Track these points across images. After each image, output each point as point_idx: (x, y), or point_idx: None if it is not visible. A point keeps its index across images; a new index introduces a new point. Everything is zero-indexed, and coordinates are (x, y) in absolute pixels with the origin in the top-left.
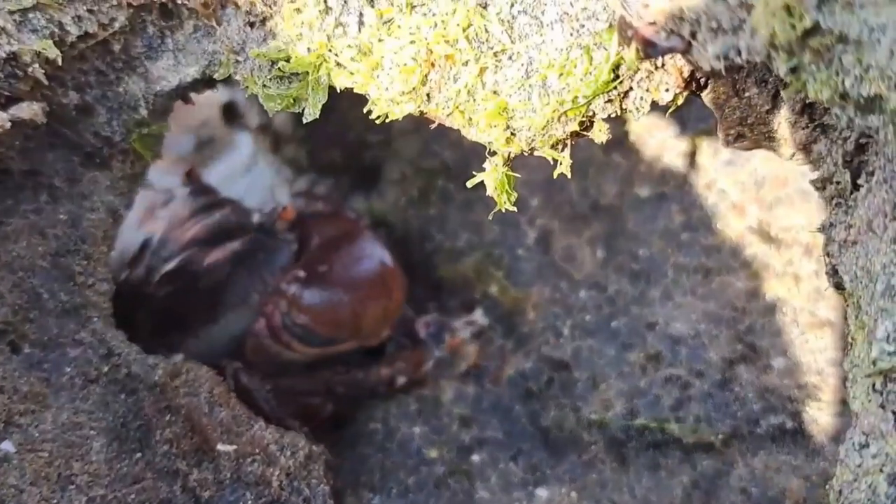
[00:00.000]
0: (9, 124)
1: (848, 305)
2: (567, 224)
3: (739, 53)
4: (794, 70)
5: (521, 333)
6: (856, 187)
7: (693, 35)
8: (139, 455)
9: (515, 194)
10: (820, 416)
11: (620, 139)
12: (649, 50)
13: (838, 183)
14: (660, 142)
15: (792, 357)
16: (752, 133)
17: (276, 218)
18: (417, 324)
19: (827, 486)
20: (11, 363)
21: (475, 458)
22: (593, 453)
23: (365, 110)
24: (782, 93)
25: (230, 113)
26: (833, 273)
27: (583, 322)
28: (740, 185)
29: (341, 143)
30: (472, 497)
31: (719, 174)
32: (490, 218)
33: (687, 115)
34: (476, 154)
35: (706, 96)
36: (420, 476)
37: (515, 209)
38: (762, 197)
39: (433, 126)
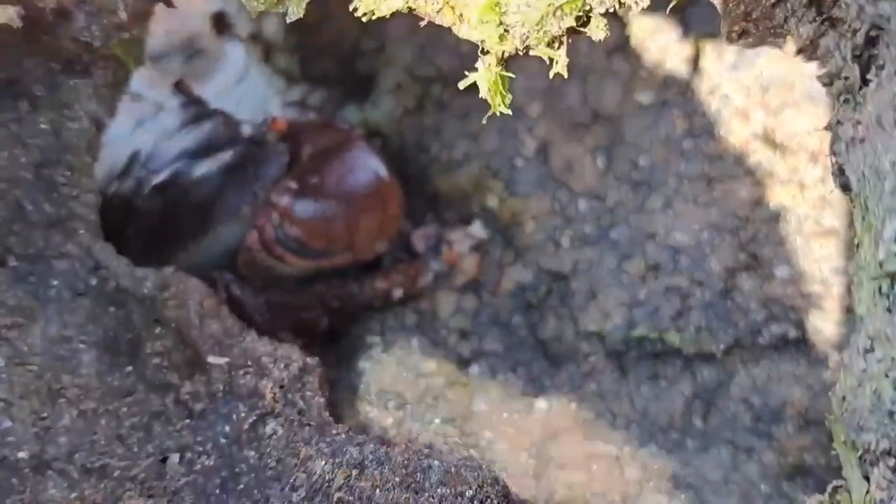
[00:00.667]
0: None
1: (854, 207)
2: (567, 133)
3: None
4: None
5: (519, 245)
6: (864, 82)
7: None
8: (130, 368)
9: (510, 96)
10: (824, 326)
11: (621, 44)
12: None
13: (847, 78)
14: (662, 46)
15: (795, 266)
16: (756, 28)
17: (267, 129)
18: (414, 236)
19: (830, 393)
20: None
21: (474, 369)
22: (592, 364)
23: (350, 8)
24: None
25: (220, 23)
26: (839, 173)
27: (582, 233)
28: (745, 89)
29: (334, 52)
30: (471, 409)
31: (723, 79)
32: (485, 122)
33: (690, 18)
34: (473, 60)
35: None
36: (418, 389)
37: (510, 112)
38: (767, 102)
39: (424, 24)
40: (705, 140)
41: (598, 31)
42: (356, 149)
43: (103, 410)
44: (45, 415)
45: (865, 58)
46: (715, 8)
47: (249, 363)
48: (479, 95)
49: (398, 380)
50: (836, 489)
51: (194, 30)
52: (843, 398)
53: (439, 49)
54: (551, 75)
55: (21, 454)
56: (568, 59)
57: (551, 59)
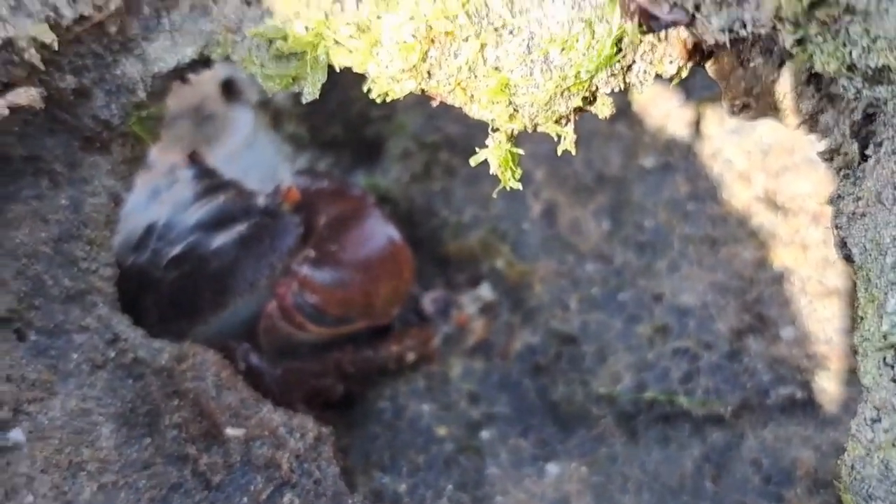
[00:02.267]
0: (7, 111)
1: (857, 278)
2: (572, 196)
3: (744, 26)
4: (800, 42)
5: (528, 307)
6: (864, 158)
7: (697, 7)
8: (148, 440)
9: (520, 170)
10: (830, 386)
11: (624, 109)
12: (652, 24)
13: (846, 154)
14: (664, 111)
15: (800, 326)
16: (757, 103)
17: (281, 200)
18: (424, 300)
19: (839, 461)
20: (18, 351)
21: (484, 434)
22: (603, 427)
23: (365, 89)
24: (788, 63)
25: (229, 90)
26: (842, 245)
27: (590, 295)
28: (746, 153)
29: (343, 118)
30: (483, 474)
31: (725, 143)
32: (495, 195)
33: (692, 84)
34: (480, 127)
35: (710, 67)
36: (430, 454)
37: (520, 186)
38: (768, 165)
39: (436, 104)
40: (708, 203)
41: (604, 108)
42: (370, 215)
43: (123, 483)
44: (66, 489)
45: (864, 134)
46: None
47: (266, 433)
48: (489, 165)
49: (411, 446)
50: None
51: (204, 96)
52: (852, 467)
53: (446, 117)
54: (559, 152)
55: None
56: (575, 136)
57: (559, 135)
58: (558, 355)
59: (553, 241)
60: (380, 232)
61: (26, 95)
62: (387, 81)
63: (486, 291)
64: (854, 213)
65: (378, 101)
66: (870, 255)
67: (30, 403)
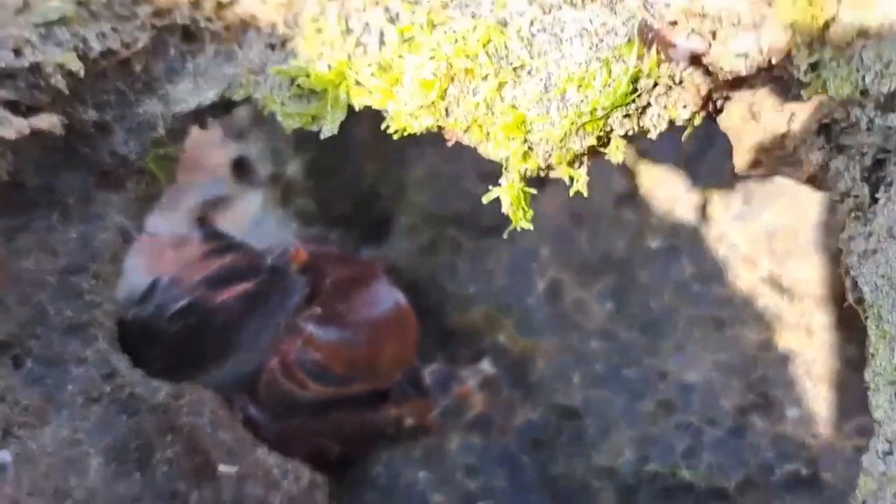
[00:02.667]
0: (28, 130)
1: (868, 318)
2: (577, 276)
3: (760, 52)
4: (814, 67)
5: (529, 383)
6: (874, 200)
7: (714, 34)
8: (138, 475)
9: (531, 211)
10: (836, 464)
11: (631, 194)
12: (670, 51)
13: (857, 196)
14: (671, 196)
15: (805, 408)
16: (768, 158)
17: (289, 260)
18: (424, 373)
19: (850, 499)
20: (14, 377)
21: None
22: (603, 501)
23: (382, 126)
24: (799, 114)
25: (241, 168)
26: (853, 287)
27: (593, 372)
28: (751, 237)
29: (353, 193)
30: None
31: (730, 227)
32: (505, 237)
33: (698, 170)
34: (488, 206)
35: (722, 121)
36: None
37: (531, 226)
38: (773, 249)
39: (451, 142)
40: (714, 285)
41: (616, 153)
42: (376, 279)
43: None
44: None
45: (874, 179)
46: (721, 160)
47: (259, 474)
48: (496, 240)
49: (398, 498)
50: None
51: (215, 177)
52: (864, 502)
53: (455, 193)
54: (571, 193)
55: None
56: (588, 178)
57: (572, 179)
58: (559, 430)
59: (557, 318)
60: (386, 295)
61: (48, 121)
62: (405, 117)
63: (487, 366)
64: (865, 252)
65: (395, 136)
66: (881, 291)
67: (20, 427)
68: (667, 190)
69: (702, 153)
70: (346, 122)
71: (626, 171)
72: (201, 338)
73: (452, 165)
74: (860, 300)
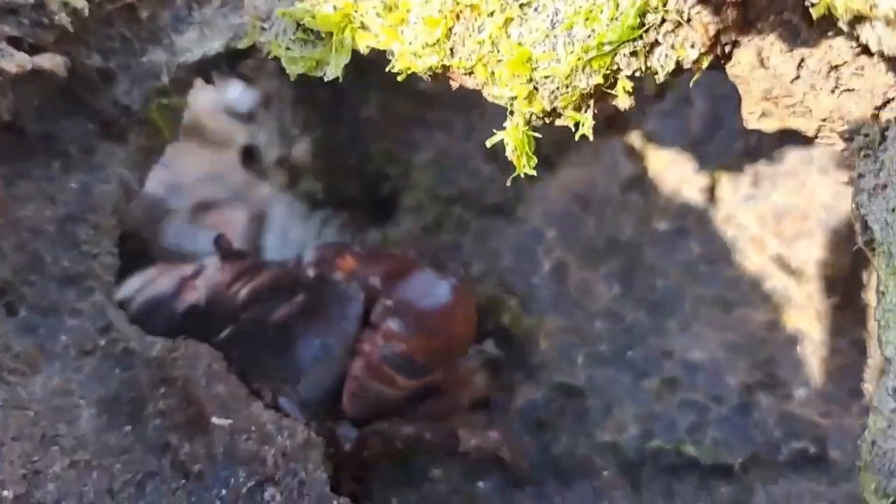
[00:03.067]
0: (30, 66)
1: (878, 257)
2: (583, 258)
3: None
4: None
5: (532, 363)
6: (884, 138)
7: None
8: (129, 427)
9: (535, 159)
10: (844, 443)
11: (639, 177)
12: None
13: (867, 135)
14: (678, 177)
15: (813, 387)
16: (777, 107)
17: (336, 268)
18: None
19: (859, 441)
20: (6, 324)
21: (481, 484)
22: (605, 479)
23: (387, 69)
24: (808, 48)
25: (248, 156)
26: (863, 228)
27: (597, 351)
28: (760, 218)
29: (360, 175)
30: None
31: (738, 208)
32: (508, 184)
33: (706, 152)
34: (492, 183)
35: (730, 69)
36: (423, 492)
37: (534, 173)
38: (782, 230)
39: (455, 84)
40: (721, 265)
41: (624, 97)
42: (419, 269)
43: (97, 464)
44: (35, 458)
45: (884, 120)
46: (730, 141)
47: (253, 428)
48: (501, 219)
49: (402, 482)
50: None
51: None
52: (873, 443)
53: (461, 173)
54: (577, 137)
55: (6, 493)
56: (594, 122)
57: (577, 125)
58: (562, 409)
59: (561, 299)
60: (436, 281)
61: (51, 60)
62: (409, 57)
63: (490, 347)
64: (875, 188)
65: (400, 78)
66: (891, 227)
67: (10, 373)
68: (675, 172)
69: (710, 135)
70: (354, 102)
71: (634, 155)
72: (258, 361)
73: (459, 146)
74: (870, 241)
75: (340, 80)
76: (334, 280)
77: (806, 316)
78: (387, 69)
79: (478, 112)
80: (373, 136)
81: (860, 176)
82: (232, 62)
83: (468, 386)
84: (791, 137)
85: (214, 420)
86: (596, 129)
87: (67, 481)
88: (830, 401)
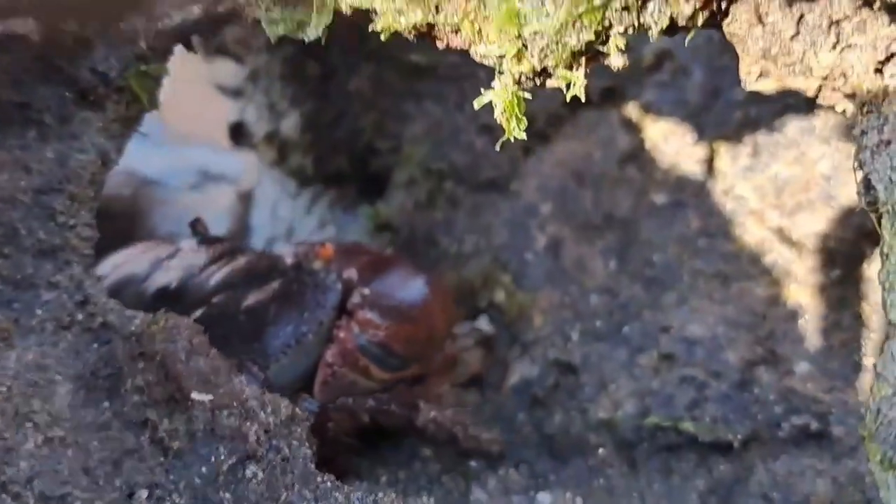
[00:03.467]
0: (1, 27)
1: (882, 217)
2: (579, 233)
3: None
4: None
5: (526, 340)
6: (887, 93)
7: None
8: (107, 405)
9: (525, 122)
10: (847, 419)
11: (636, 151)
12: None
13: (870, 90)
14: (676, 149)
15: (815, 363)
16: (775, 66)
17: (314, 256)
18: None
19: (863, 409)
20: None
21: (473, 463)
22: (601, 457)
23: (370, 28)
24: (807, 2)
25: (237, 132)
26: (866, 188)
27: (593, 327)
28: (760, 190)
29: (350, 150)
30: (468, 498)
31: (738, 180)
32: (498, 149)
33: (704, 122)
34: (486, 157)
35: (727, 26)
36: (412, 471)
37: (524, 136)
38: (783, 203)
39: (442, 44)
40: (720, 239)
41: (616, 55)
42: (399, 264)
43: (72, 441)
44: (7, 436)
45: (888, 75)
46: (729, 112)
47: (235, 404)
48: (494, 195)
49: (392, 461)
50: None
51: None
52: (878, 411)
53: (454, 147)
54: (568, 98)
55: None
56: (586, 81)
57: (568, 83)
58: (556, 386)
59: (556, 274)
60: (415, 274)
61: (24, 24)
62: (392, 15)
63: (484, 324)
64: (879, 144)
65: (383, 37)
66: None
67: None
68: (673, 145)
69: (708, 106)
70: (343, 75)
71: (631, 127)
72: (229, 346)
73: (451, 119)
74: (873, 202)
75: (322, 41)
76: (312, 269)
77: (807, 290)
78: (370, 29)
79: (470, 84)
80: (363, 110)
81: (863, 133)
82: (213, 27)
83: (450, 375)
84: (791, 107)
85: (194, 396)
86: (592, 102)
87: (41, 459)
88: (833, 376)
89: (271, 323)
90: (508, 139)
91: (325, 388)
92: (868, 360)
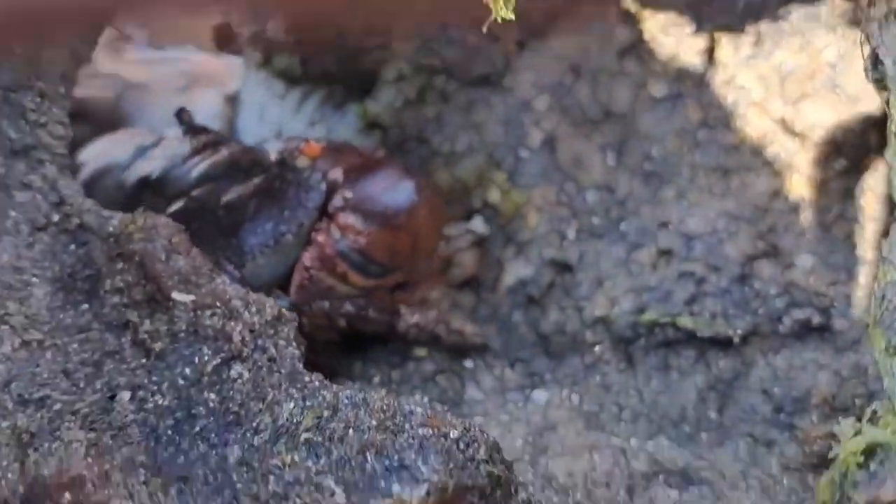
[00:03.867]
0: None
1: (890, 94)
2: (576, 128)
3: None
4: None
5: (521, 240)
6: None
7: None
8: (86, 306)
9: (514, 1)
10: (849, 312)
11: (634, 44)
12: None
13: None
14: (676, 40)
15: (818, 256)
16: None
17: (299, 153)
18: None
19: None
20: None
21: (468, 363)
22: (597, 355)
23: None
24: None
25: (222, 35)
26: (873, 63)
27: (589, 225)
28: (762, 80)
29: (337, 49)
30: (462, 397)
31: (740, 70)
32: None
33: (706, 11)
34: (478, 53)
35: None
36: (406, 371)
37: (513, 17)
38: (786, 92)
39: None
40: (721, 131)
41: None
42: (387, 165)
43: (50, 344)
44: None
45: None
46: (730, 0)
47: (218, 304)
48: (487, 91)
49: (384, 360)
50: (874, 413)
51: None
52: (883, 296)
53: (444, 42)
54: None
55: None
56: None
57: None
58: (552, 285)
59: (552, 171)
60: (404, 177)
61: None
62: None
63: (478, 225)
64: (888, 15)
65: None
66: None
67: None
68: (672, 35)
69: None
70: None
71: (630, 20)
72: (207, 241)
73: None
74: (881, 79)
75: None
76: (297, 166)
77: (810, 182)
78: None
79: None
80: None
81: (870, 3)
82: None
83: (440, 280)
84: None
85: (175, 296)
86: None
87: (18, 362)
88: (835, 269)
89: (250, 219)
90: (497, 25)
91: (302, 292)
92: (870, 253)
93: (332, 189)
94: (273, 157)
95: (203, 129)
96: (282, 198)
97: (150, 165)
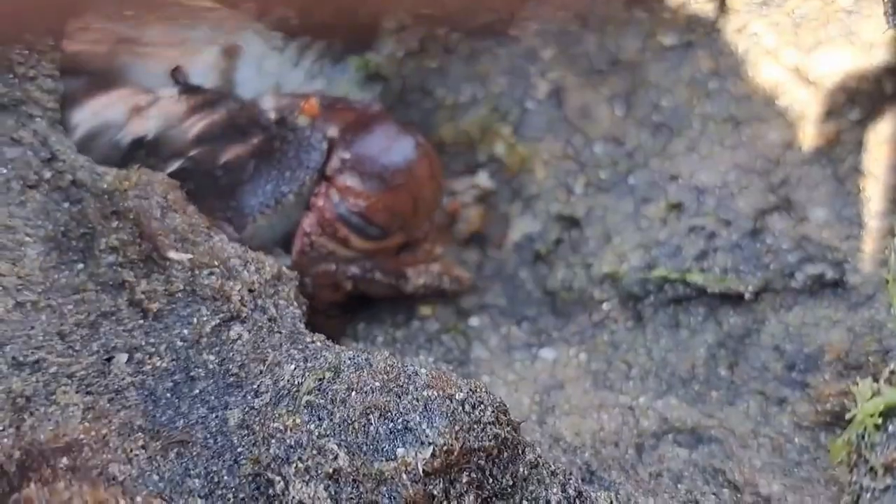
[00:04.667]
0: None
1: None
2: (583, 78)
3: None
4: None
5: (528, 194)
6: None
7: None
8: (81, 266)
9: None
10: (864, 267)
11: None
12: None
13: None
14: None
15: (831, 209)
16: None
17: (299, 112)
18: None
19: (887, 251)
20: None
21: (474, 321)
22: (605, 312)
23: None
24: None
25: None
26: (894, 7)
27: (597, 179)
28: (775, 27)
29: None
30: (469, 356)
31: (752, 17)
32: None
33: None
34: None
35: None
36: (410, 330)
37: None
38: (800, 40)
39: None
40: (732, 81)
41: None
42: (384, 122)
43: (45, 305)
44: None
45: None
46: None
47: (216, 263)
48: (491, 42)
49: (388, 321)
50: (891, 374)
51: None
52: None
53: None
54: None
55: None
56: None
57: None
58: (559, 241)
59: (559, 124)
60: (402, 135)
61: None
62: None
63: (483, 179)
64: None
65: None
66: None
67: None
68: None
69: None
70: None
71: None
72: (206, 202)
73: None
74: None
75: None
76: (297, 125)
77: (824, 133)
78: None
79: None
80: None
81: None
82: None
83: (444, 238)
84: None
85: (172, 255)
86: None
87: (12, 324)
88: (849, 223)
89: (249, 180)
90: None
91: (303, 258)
92: (885, 206)
93: (331, 147)
94: (272, 115)
95: (198, 89)
96: (281, 157)
97: (145, 126)
